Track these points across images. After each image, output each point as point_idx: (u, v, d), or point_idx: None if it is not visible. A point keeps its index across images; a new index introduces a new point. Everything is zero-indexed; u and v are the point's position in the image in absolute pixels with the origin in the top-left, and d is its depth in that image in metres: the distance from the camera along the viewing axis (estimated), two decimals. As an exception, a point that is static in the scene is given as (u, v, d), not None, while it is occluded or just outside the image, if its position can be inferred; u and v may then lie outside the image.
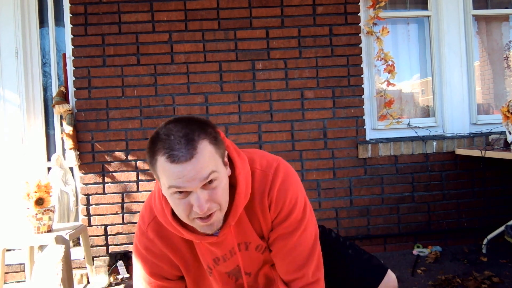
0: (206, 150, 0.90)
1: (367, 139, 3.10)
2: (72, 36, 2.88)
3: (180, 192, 0.90)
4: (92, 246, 2.83)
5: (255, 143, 2.96)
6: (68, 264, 2.24)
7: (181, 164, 0.86)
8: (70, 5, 2.86)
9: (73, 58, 2.88)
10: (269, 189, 1.05)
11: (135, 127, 2.91)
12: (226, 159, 0.99)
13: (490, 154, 2.67)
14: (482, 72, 3.49)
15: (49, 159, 3.06)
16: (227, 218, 1.01)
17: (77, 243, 2.97)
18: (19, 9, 2.99)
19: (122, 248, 2.88)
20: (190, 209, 0.92)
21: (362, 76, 3.05)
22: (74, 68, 2.88)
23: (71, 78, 2.93)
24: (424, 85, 3.43)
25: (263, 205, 1.05)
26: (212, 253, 1.11)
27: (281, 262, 1.13)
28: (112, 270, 2.81)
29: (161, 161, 0.88)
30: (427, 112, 3.41)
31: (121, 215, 2.89)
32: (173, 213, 1.02)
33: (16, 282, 2.81)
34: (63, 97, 2.92)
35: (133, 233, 2.89)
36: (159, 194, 1.03)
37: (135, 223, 2.89)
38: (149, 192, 2.90)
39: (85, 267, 2.75)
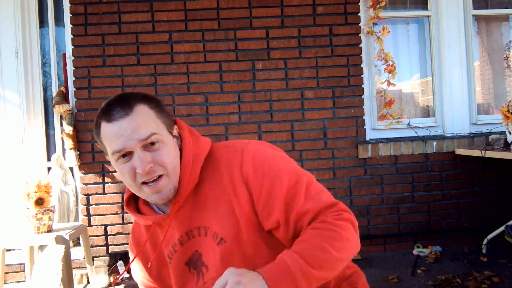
0: (143, 111, 0.92)
1: (367, 139, 3.10)
2: (72, 36, 2.88)
3: (124, 156, 0.91)
4: (92, 246, 2.83)
5: (255, 143, 2.95)
6: (68, 264, 2.24)
7: (116, 121, 0.89)
8: (70, 5, 2.86)
9: (73, 58, 2.88)
10: (241, 161, 0.94)
11: (135, 127, 2.90)
12: (175, 132, 0.99)
13: (490, 154, 2.67)
14: (482, 72, 3.49)
15: (49, 159, 3.06)
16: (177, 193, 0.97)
17: (77, 243, 2.97)
18: (19, 9, 2.99)
19: (122, 248, 2.88)
20: (135, 173, 0.91)
21: (362, 76, 3.05)
22: (74, 68, 2.88)
23: (71, 78, 2.93)
24: (424, 85, 3.43)
25: (234, 182, 0.94)
26: (171, 238, 1.02)
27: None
28: (112, 270, 2.81)
29: (103, 125, 0.92)
30: (427, 112, 3.41)
31: (121, 215, 2.89)
32: (129, 200, 1.05)
33: (16, 282, 2.81)
34: (63, 97, 2.92)
35: (133, 233, 2.89)
36: None
37: (135, 223, 2.89)
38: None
39: (85, 267, 2.75)
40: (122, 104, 0.91)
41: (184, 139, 0.99)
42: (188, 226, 0.99)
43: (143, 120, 0.90)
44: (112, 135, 0.90)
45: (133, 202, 1.06)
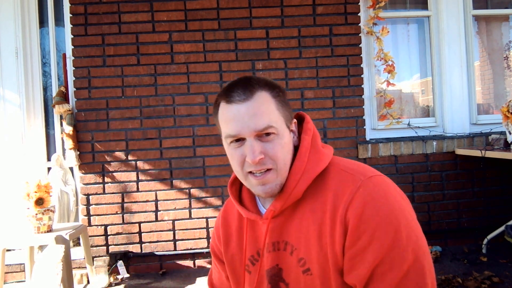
0: (264, 99, 0.87)
1: (367, 139, 3.10)
2: (72, 36, 2.88)
3: (236, 140, 0.88)
4: (92, 246, 2.83)
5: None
6: (68, 264, 2.24)
7: (236, 104, 0.86)
8: (70, 5, 2.86)
9: (73, 58, 2.88)
10: (351, 200, 0.81)
11: (135, 127, 2.91)
12: (293, 127, 0.94)
13: (490, 154, 2.67)
14: (482, 72, 3.49)
15: (49, 159, 3.06)
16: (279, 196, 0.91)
17: (77, 243, 2.97)
18: (19, 9, 3.00)
19: (122, 248, 2.88)
20: (244, 160, 0.88)
21: (362, 76, 3.05)
22: (74, 68, 2.88)
23: (71, 78, 2.93)
24: (424, 85, 3.43)
25: (335, 218, 0.82)
26: (257, 241, 0.98)
27: None
28: (112, 270, 2.81)
29: (222, 106, 0.90)
30: (427, 112, 3.41)
31: (121, 215, 2.89)
32: (234, 182, 1.03)
33: (16, 282, 2.81)
34: (63, 97, 2.92)
35: (133, 233, 2.90)
36: None
37: (135, 223, 2.90)
38: (149, 192, 2.90)
39: (85, 267, 2.75)
40: (244, 87, 0.87)
41: (301, 146, 0.92)
42: (278, 236, 0.93)
43: (262, 109, 0.86)
44: (229, 118, 0.88)
45: (237, 185, 1.03)
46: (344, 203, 0.82)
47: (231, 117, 0.87)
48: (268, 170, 0.87)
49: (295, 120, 0.96)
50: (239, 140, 0.88)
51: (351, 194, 0.82)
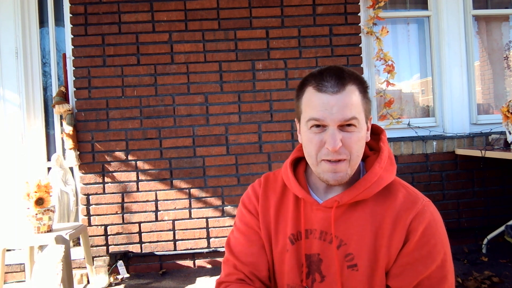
0: (354, 93, 0.90)
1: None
2: (72, 36, 2.88)
3: (317, 126, 0.91)
4: (92, 246, 2.83)
5: (255, 143, 2.96)
6: (68, 264, 2.24)
7: (327, 94, 0.89)
8: (70, 5, 2.86)
9: (73, 58, 2.88)
10: (417, 212, 0.91)
11: (135, 127, 2.91)
12: (369, 124, 0.99)
13: (490, 154, 2.67)
14: (482, 72, 3.49)
15: (49, 159, 3.06)
16: (346, 189, 0.95)
17: (77, 243, 2.97)
18: (19, 9, 3.00)
19: (122, 248, 2.88)
20: (322, 146, 0.91)
21: (362, 76, 3.05)
22: (74, 68, 2.88)
23: (71, 78, 2.93)
24: (424, 85, 3.43)
25: (398, 223, 0.91)
26: (310, 221, 0.99)
27: None
28: (112, 270, 2.81)
29: (309, 91, 0.93)
30: (427, 112, 3.41)
31: (121, 215, 2.89)
32: (292, 161, 1.05)
33: (16, 282, 2.81)
34: (63, 97, 2.92)
35: (133, 233, 2.90)
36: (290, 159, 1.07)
37: (135, 223, 2.90)
38: (149, 192, 2.91)
39: (85, 267, 2.75)
40: (337, 78, 0.90)
41: (382, 153, 0.99)
42: (328, 227, 0.96)
43: (350, 102, 0.89)
44: (317, 104, 0.90)
45: (292, 168, 1.05)
46: (410, 213, 0.91)
47: (320, 105, 0.89)
48: (342, 160, 0.91)
49: (371, 116, 1.01)
50: (320, 126, 0.91)
51: (418, 208, 0.92)
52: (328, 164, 0.91)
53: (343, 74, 0.91)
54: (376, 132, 1.05)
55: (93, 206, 2.88)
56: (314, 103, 0.90)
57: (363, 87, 0.94)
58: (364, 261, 0.92)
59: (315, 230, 0.97)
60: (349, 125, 0.90)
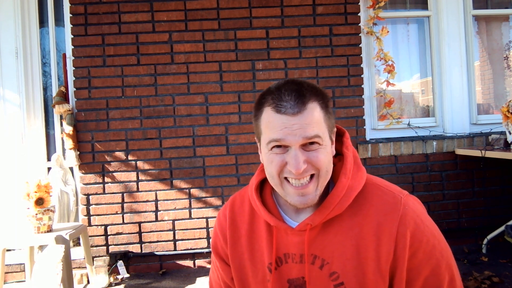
0: (315, 110, 0.85)
1: (367, 139, 3.10)
2: (72, 36, 2.88)
3: (279, 146, 0.86)
4: (92, 246, 2.84)
5: (255, 143, 2.95)
6: (68, 264, 2.24)
7: (286, 116, 0.84)
8: (70, 5, 2.86)
9: (73, 58, 2.88)
10: (400, 217, 0.86)
11: (135, 127, 2.91)
12: (333, 138, 0.93)
13: (490, 154, 2.67)
14: (482, 72, 3.49)
15: (49, 159, 3.06)
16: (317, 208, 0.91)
17: (77, 243, 2.97)
18: (19, 9, 3.00)
19: (122, 248, 2.88)
20: (283, 166, 0.86)
21: (362, 76, 3.05)
22: (74, 68, 2.88)
23: (71, 78, 2.93)
24: (424, 85, 3.43)
25: (382, 234, 0.86)
26: (286, 246, 0.95)
27: None
28: (112, 270, 2.81)
29: (267, 111, 0.87)
30: (427, 112, 3.41)
31: (121, 215, 2.89)
32: (257, 185, 1.00)
33: (16, 282, 2.81)
34: (63, 97, 2.92)
35: (133, 233, 2.90)
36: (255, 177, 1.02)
37: (136, 223, 2.90)
38: (149, 192, 2.90)
39: (85, 267, 2.75)
40: (297, 97, 0.84)
41: (346, 163, 0.92)
42: (306, 249, 0.92)
43: (312, 120, 0.84)
44: (276, 125, 0.85)
45: (258, 191, 1.00)
46: (393, 221, 0.87)
47: (279, 126, 0.84)
48: (312, 177, 0.87)
49: (335, 129, 0.95)
50: (281, 146, 0.86)
51: (399, 212, 0.87)
52: (292, 188, 0.87)
53: (303, 91, 0.85)
54: (339, 134, 0.98)
55: (93, 206, 2.88)
56: (274, 124, 0.85)
57: (324, 102, 0.88)
58: (351, 278, 0.88)
59: (294, 255, 0.94)
60: (312, 143, 0.85)
